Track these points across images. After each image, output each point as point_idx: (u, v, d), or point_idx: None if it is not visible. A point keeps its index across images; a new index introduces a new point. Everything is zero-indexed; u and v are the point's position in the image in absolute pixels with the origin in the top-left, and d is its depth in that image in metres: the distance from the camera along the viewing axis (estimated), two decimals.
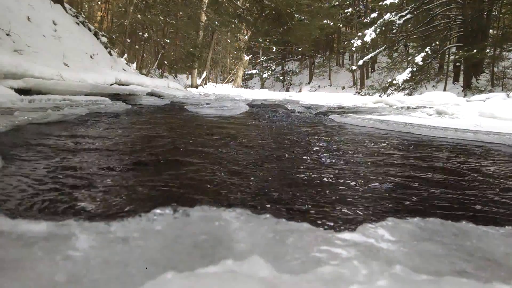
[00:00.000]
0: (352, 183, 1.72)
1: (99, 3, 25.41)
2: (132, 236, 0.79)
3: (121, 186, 1.47)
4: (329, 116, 5.99)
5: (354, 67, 24.32)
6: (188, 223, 0.89)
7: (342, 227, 1.15)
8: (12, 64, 5.38)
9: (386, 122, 4.62)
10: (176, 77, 25.58)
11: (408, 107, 8.67)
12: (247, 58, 25.13)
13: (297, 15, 20.06)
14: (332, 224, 1.18)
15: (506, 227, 1.01)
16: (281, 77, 38.74)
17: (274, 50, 33.92)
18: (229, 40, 28.19)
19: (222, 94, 15.88)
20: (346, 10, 29.39)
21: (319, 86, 32.55)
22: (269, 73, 38.08)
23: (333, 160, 2.29)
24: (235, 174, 1.78)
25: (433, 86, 19.69)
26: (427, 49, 16.56)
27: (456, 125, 4.35)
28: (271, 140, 3.15)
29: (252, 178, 1.72)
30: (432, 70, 20.84)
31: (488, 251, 0.85)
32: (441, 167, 2.21)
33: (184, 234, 0.82)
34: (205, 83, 23.31)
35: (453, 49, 18.00)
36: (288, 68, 39.72)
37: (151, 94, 9.45)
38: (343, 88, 29.87)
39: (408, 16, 17.07)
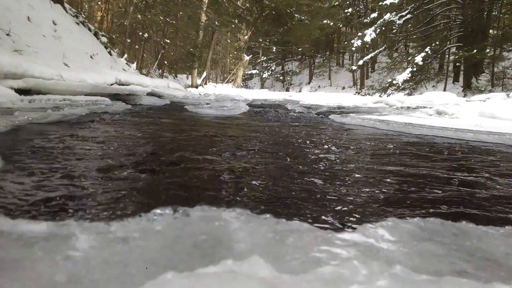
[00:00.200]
0: (352, 183, 1.72)
1: (99, 3, 25.41)
2: (132, 236, 0.79)
3: (121, 186, 1.47)
4: (329, 116, 5.99)
5: (354, 67, 24.32)
6: (188, 223, 0.89)
7: (342, 227, 1.15)
8: (12, 64, 5.38)
9: (386, 122, 4.62)
10: (176, 77, 25.58)
11: (408, 107, 8.67)
12: (247, 58, 25.13)
13: (297, 15, 20.07)
14: (332, 224, 1.18)
15: (506, 227, 1.01)
16: (281, 77, 38.74)
17: (274, 50, 33.93)
18: (229, 40, 28.19)
19: (222, 94, 15.88)
20: (346, 10, 29.39)
21: (319, 86, 32.55)
22: (269, 73, 38.08)
23: (333, 160, 2.29)
24: (235, 174, 1.78)
25: (433, 86, 19.69)
26: (427, 49, 16.56)
27: (456, 125, 4.35)
28: (271, 140, 3.15)
29: (252, 178, 1.72)
30: (432, 70, 20.84)
31: (488, 251, 0.85)
32: (441, 167, 2.21)
33: (184, 234, 0.82)
34: (205, 83, 23.31)
35: (453, 49, 18.00)
36: (288, 68, 39.72)
37: (151, 94, 9.45)
38: (343, 88, 29.87)
39: (408, 16, 17.07)
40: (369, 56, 20.15)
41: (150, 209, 0.95)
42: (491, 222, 1.26)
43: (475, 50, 14.17)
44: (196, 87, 21.20)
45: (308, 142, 3.10)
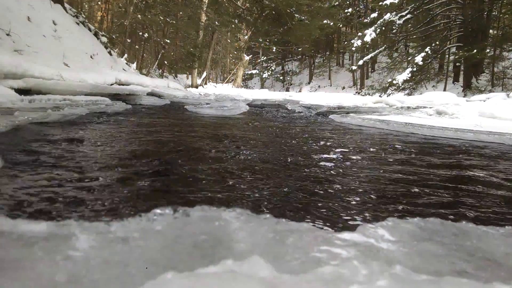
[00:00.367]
0: (352, 183, 1.72)
1: (99, 3, 25.41)
2: (132, 236, 0.79)
3: (121, 186, 1.47)
4: (329, 116, 5.99)
5: (354, 67, 24.33)
6: (188, 223, 0.89)
7: (342, 227, 1.15)
8: (12, 64, 5.38)
9: (386, 122, 4.62)
10: (176, 77, 25.58)
11: (408, 107, 8.67)
12: (247, 58, 25.13)
13: (297, 15, 20.07)
14: (332, 224, 1.18)
15: (506, 227, 1.01)
16: (281, 77, 38.74)
17: (274, 50, 33.91)
18: (229, 40, 28.19)
19: (222, 94, 15.89)
20: (346, 10, 29.40)
21: (319, 86, 32.55)
22: (269, 73, 38.08)
23: (333, 160, 2.29)
24: (235, 174, 1.78)
25: (433, 86, 19.69)
26: (427, 49, 16.56)
27: (456, 125, 4.35)
28: (271, 140, 3.15)
29: (252, 178, 1.72)
30: (432, 70, 20.84)
31: (488, 251, 0.85)
32: (441, 167, 2.21)
33: (184, 234, 0.82)
34: (205, 83, 23.31)
35: (453, 49, 18.00)
36: (288, 68, 39.72)
37: (151, 94, 9.46)
38: (343, 88, 29.87)
39: (408, 16, 17.07)
40: (369, 56, 20.15)
41: (150, 209, 0.95)
42: (491, 222, 1.26)
43: (475, 50, 14.18)
44: (196, 87, 21.20)
45: (308, 142, 3.10)
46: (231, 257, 0.66)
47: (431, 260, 0.80)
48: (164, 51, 22.19)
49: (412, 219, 1.00)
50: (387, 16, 17.26)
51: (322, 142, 3.09)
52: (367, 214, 1.29)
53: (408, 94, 17.75)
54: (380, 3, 17.85)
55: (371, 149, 2.83)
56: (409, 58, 19.17)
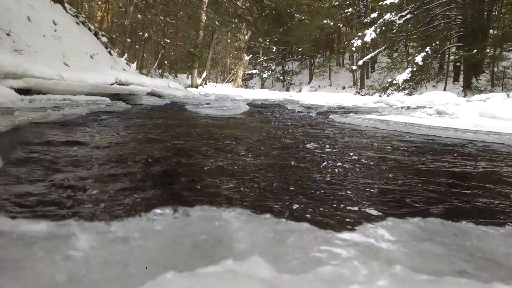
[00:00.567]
0: (352, 183, 1.72)
1: (99, 3, 25.40)
2: (132, 236, 0.79)
3: (121, 186, 1.47)
4: (329, 116, 5.99)
5: (354, 67, 24.33)
6: (188, 223, 0.89)
7: (342, 227, 1.15)
8: (12, 64, 5.38)
9: (386, 122, 4.62)
10: (176, 77, 25.58)
11: (408, 107, 8.67)
12: (247, 58, 25.13)
13: (297, 15, 20.07)
14: (332, 224, 1.18)
15: (506, 227, 1.02)
16: (281, 77, 38.75)
17: (274, 50, 33.92)
18: (229, 40, 28.19)
19: (222, 94, 15.89)
20: (346, 10, 29.40)
21: (319, 86, 32.56)
22: (269, 73, 38.09)
23: (333, 160, 2.29)
24: (235, 174, 1.78)
25: (433, 86, 19.69)
26: (427, 49, 16.56)
27: (456, 125, 4.35)
28: (271, 140, 3.15)
29: (252, 178, 1.72)
30: (432, 70, 20.85)
31: (488, 251, 0.85)
32: (441, 167, 2.21)
33: (184, 234, 0.82)
34: (205, 83, 23.32)
35: (453, 49, 18.01)
36: (288, 68, 39.73)
37: (151, 94, 9.46)
38: (343, 88, 29.87)
39: (408, 16, 17.07)
40: (369, 56, 20.16)
41: (150, 209, 0.95)
42: (491, 222, 1.26)
43: (475, 50, 14.18)
44: (196, 87, 21.20)
45: (308, 142, 3.10)
46: (231, 257, 0.66)
47: (431, 260, 0.80)
48: (164, 51, 22.20)
49: (412, 219, 1.00)
50: (387, 16, 17.27)
51: (321, 142, 3.09)
52: (367, 214, 1.29)
53: (408, 94, 17.76)
54: (380, 3, 17.85)
55: (371, 149, 2.83)
56: (409, 58, 19.17)
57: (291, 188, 1.58)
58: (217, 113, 5.95)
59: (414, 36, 19.43)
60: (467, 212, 1.37)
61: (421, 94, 13.65)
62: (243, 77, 31.22)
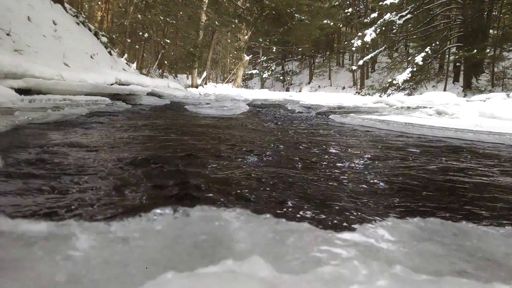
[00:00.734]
0: (352, 183, 1.72)
1: (99, 3, 25.41)
2: (132, 236, 0.79)
3: (121, 186, 1.47)
4: (329, 116, 5.99)
5: (354, 67, 24.34)
6: (188, 223, 0.89)
7: (342, 227, 1.15)
8: (12, 64, 5.38)
9: (386, 122, 4.62)
10: (176, 77, 25.58)
11: (408, 107, 8.67)
12: (247, 58, 25.14)
13: (297, 15, 20.07)
14: (332, 224, 1.18)
15: (506, 227, 1.02)
16: (281, 77, 38.74)
17: (274, 50, 33.93)
18: (229, 40, 28.19)
19: (222, 94, 15.89)
20: (346, 10, 29.40)
21: (319, 86, 32.55)
22: (269, 73, 38.09)
23: (333, 160, 2.29)
24: (235, 174, 1.78)
25: (433, 86, 19.69)
26: (427, 49, 16.57)
27: (456, 125, 4.35)
28: (271, 140, 3.15)
29: (252, 178, 1.72)
30: (432, 70, 20.85)
31: (488, 251, 0.85)
32: (441, 167, 2.21)
33: (184, 234, 0.82)
34: (205, 83, 23.32)
35: (453, 49, 18.01)
36: (288, 68, 39.72)
37: (151, 94, 9.46)
38: (343, 88, 29.87)
39: (408, 16, 17.07)
40: (369, 56, 20.16)
41: (150, 209, 0.95)
42: (491, 222, 1.26)
43: (475, 50, 14.18)
44: (196, 87, 21.20)
45: (308, 142, 3.10)
46: (231, 257, 0.66)
47: (431, 260, 0.80)
48: (164, 51, 22.20)
49: (412, 219, 1.00)
50: (387, 16, 17.27)
51: (321, 142, 3.09)
52: (367, 214, 1.29)
53: (408, 94, 17.76)
54: (380, 3, 17.85)
55: (371, 149, 2.83)
56: (409, 58, 19.18)
57: (291, 188, 1.58)
58: (217, 113, 5.95)
59: (414, 36, 19.43)
60: (467, 212, 1.37)
61: (421, 94, 13.65)
62: (243, 77, 31.23)
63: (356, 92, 24.72)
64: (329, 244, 0.81)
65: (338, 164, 2.16)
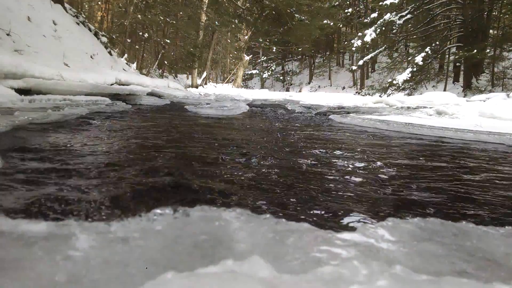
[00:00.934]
0: (352, 183, 1.72)
1: (99, 3, 25.41)
2: (132, 236, 0.79)
3: (121, 186, 1.47)
4: (329, 116, 5.99)
5: (354, 67, 24.33)
6: (188, 223, 0.89)
7: (342, 227, 1.15)
8: (12, 64, 5.38)
9: (387, 122, 4.62)
10: (176, 77, 25.58)
11: (408, 107, 8.67)
12: (247, 58, 25.13)
13: (297, 15, 20.07)
14: (332, 224, 1.18)
15: (506, 227, 1.01)
16: (281, 77, 38.74)
17: (274, 50, 33.91)
18: (229, 40, 28.19)
19: (222, 94, 15.89)
20: (346, 10, 29.39)
21: (319, 86, 32.54)
22: (269, 73, 38.08)
23: (333, 160, 2.29)
24: (235, 174, 1.78)
25: (433, 86, 19.69)
26: (427, 49, 16.56)
27: (456, 125, 4.35)
28: (271, 140, 3.15)
29: (252, 178, 1.72)
30: (432, 70, 20.84)
31: (488, 251, 0.85)
32: (441, 167, 2.21)
33: (184, 234, 0.82)
34: (205, 83, 23.32)
35: (453, 49, 18.00)
36: (288, 68, 39.72)
37: (151, 94, 9.46)
38: (343, 88, 29.86)
39: (408, 16, 17.07)
40: (369, 56, 20.15)
41: (150, 209, 0.95)
42: (491, 222, 1.26)
43: (475, 50, 14.18)
44: (196, 87, 21.20)
45: (308, 142, 3.10)
46: (231, 257, 0.66)
47: (431, 260, 0.80)
48: (164, 51, 22.20)
49: (412, 219, 1.00)
50: (387, 16, 17.26)
51: (321, 142, 3.09)
52: (367, 214, 1.29)
53: (408, 94, 17.76)
54: (380, 3, 17.85)
55: (371, 149, 2.83)
56: (409, 58, 19.17)
57: (291, 188, 1.58)
58: (217, 113, 5.95)
59: (414, 36, 19.43)
60: (467, 212, 1.37)
61: (421, 94, 13.65)
62: (243, 77, 31.22)
63: (356, 92, 24.72)
64: (329, 244, 0.81)
65: (338, 164, 2.16)
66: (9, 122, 2.79)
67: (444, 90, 17.03)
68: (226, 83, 27.32)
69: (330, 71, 33.49)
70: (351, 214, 1.28)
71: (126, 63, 15.81)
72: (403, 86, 17.67)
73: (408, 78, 16.87)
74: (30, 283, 0.60)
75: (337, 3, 28.17)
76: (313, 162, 2.20)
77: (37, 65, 6.16)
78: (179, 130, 3.51)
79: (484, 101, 8.55)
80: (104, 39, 13.72)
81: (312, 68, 35.73)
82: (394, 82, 17.33)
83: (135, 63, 18.65)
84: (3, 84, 5.03)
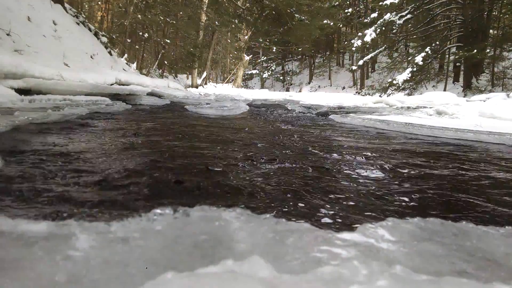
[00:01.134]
0: (352, 183, 1.72)
1: (99, 3, 25.41)
2: (132, 236, 0.79)
3: (121, 186, 1.47)
4: (330, 116, 5.99)
5: (354, 67, 24.33)
6: (188, 223, 0.89)
7: (342, 227, 1.15)
8: (12, 64, 5.38)
9: (387, 122, 4.62)
10: (176, 77, 25.58)
11: (408, 107, 8.67)
12: (247, 58, 25.13)
13: (297, 15, 20.07)
14: (332, 224, 1.18)
15: (506, 227, 1.01)
16: (281, 77, 38.73)
17: (274, 50, 33.91)
18: (229, 40, 28.19)
19: (222, 94, 15.90)
20: (346, 10, 29.39)
21: (319, 86, 32.54)
22: (269, 73, 38.08)
23: (332, 160, 2.29)
24: (235, 174, 1.78)
25: (433, 86, 19.68)
26: (427, 49, 16.56)
27: (456, 125, 4.35)
28: (271, 140, 3.15)
29: (251, 178, 1.72)
30: (432, 70, 20.84)
31: (488, 251, 0.85)
32: (441, 167, 2.21)
33: (184, 234, 0.82)
34: (205, 83, 23.32)
35: (453, 49, 18.00)
36: (288, 68, 39.71)
37: (151, 94, 9.46)
38: (343, 88, 29.86)
39: (408, 16, 17.07)
40: (369, 56, 20.15)
41: (150, 209, 0.95)
42: (491, 222, 1.26)
43: (475, 50, 14.17)
44: (196, 87, 21.20)
45: (307, 142, 3.10)
46: (231, 257, 0.66)
47: (431, 260, 0.80)
48: (164, 51, 22.20)
49: (412, 219, 1.00)
50: (387, 16, 17.26)
51: (321, 142, 3.09)
52: (367, 214, 1.29)
53: (408, 94, 17.76)
54: (380, 3, 17.84)
55: (371, 149, 2.83)
56: (409, 58, 19.17)
57: (291, 187, 1.58)
58: (217, 113, 5.95)
59: (414, 36, 19.42)
60: (467, 212, 1.37)
61: (421, 94, 13.65)
62: (243, 77, 31.22)
63: (356, 92, 24.72)
64: (329, 244, 0.81)
65: (338, 164, 2.16)
66: (9, 122, 2.79)
67: (444, 90, 17.03)
68: (226, 83, 27.32)
69: (330, 71, 33.49)
70: (351, 214, 1.28)
71: (126, 63, 15.81)
72: (403, 86, 17.67)
73: (408, 78, 16.87)
74: (30, 283, 0.60)
75: (337, 3, 28.17)
76: (313, 162, 2.20)
77: (37, 65, 6.16)
78: (179, 130, 3.51)
79: (484, 101, 8.55)
80: (104, 39, 13.72)
81: (312, 68, 35.72)
82: (394, 82, 17.33)
83: (135, 63, 18.65)
84: (3, 84, 5.03)
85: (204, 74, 22.91)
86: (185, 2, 21.32)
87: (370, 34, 17.90)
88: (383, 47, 19.89)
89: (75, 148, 2.23)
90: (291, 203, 1.37)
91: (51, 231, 0.78)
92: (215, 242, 0.80)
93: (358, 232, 0.91)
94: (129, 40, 20.21)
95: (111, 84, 9.03)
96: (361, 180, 1.79)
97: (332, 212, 1.30)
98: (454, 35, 17.97)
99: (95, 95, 6.45)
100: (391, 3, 17.28)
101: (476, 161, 2.48)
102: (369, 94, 21.21)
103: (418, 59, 16.41)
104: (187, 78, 25.81)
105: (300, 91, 32.11)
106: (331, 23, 26.61)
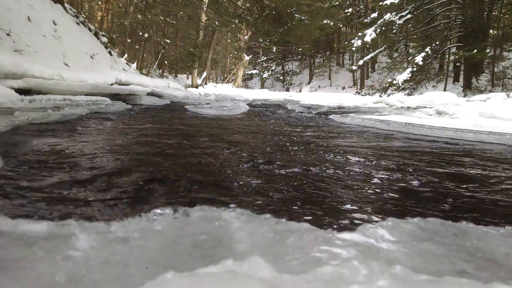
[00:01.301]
0: (352, 183, 1.72)
1: (99, 3, 25.40)
2: (132, 236, 0.79)
3: (121, 186, 1.47)
4: (330, 116, 5.99)
5: (354, 67, 24.32)
6: (188, 223, 0.89)
7: (342, 227, 1.15)
8: (12, 64, 5.38)
9: (387, 122, 4.62)
10: (176, 77, 25.58)
11: (408, 107, 8.67)
12: (247, 58, 25.14)
13: (297, 15, 20.06)
14: (332, 224, 1.18)
15: (506, 227, 1.01)
16: (281, 77, 38.73)
17: (274, 50, 33.91)
18: (229, 40, 28.20)
19: (222, 94, 15.90)
20: (346, 10, 29.39)
21: (319, 86, 32.53)
22: (269, 73, 38.07)
23: (332, 160, 2.29)
24: (235, 174, 1.78)
25: (433, 86, 19.68)
26: (427, 49, 16.56)
27: (456, 125, 4.35)
28: (271, 140, 3.15)
29: (252, 178, 1.72)
30: (432, 70, 20.83)
31: (488, 251, 0.85)
32: (441, 167, 2.21)
33: (184, 234, 0.82)
34: (205, 83, 23.32)
35: (453, 49, 17.99)
36: (288, 68, 39.71)
37: (151, 94, 9.46)
38: (343, 88, 29.86)
39: (408, 16, 17.07)
40: (369, 56, 20.15)
41: (150, 209, 0.95)
42: (491, 222, 1.26)
43: (475, 50, 14.17)
44: (196, 87, 21.21)
45: (307, 142, 3.10)
46: (231, 257, 0.66)
47: (431, 260, 0.80)
48: (164, 51, 22.20)
49: (412, 219, 1.00)
50: (387, 16, 17.26)
51: (321, 142, 3.09)
52: (367, 214, 1.29)
53: (408, 94, 17.76)
54: (380, 3, 17.84)
55: (371, 150, 2.83)
56: (409, 58, 19.16)
57: (291, 188, 1.58)
58: (217, 113, 5.95)
59: (414, 36, 19.42)
60: (467, 212, 1.37)
61: (421, 94, 13.65)
62: (243, 77, 31.23)
63: (356, 92, 24.72)
64: (329, 244, 0.81)
65: (338, 164, 2.16)
66: (9, 122, 2.79)
67: (444, 90, 17.03)
68: (226, 83, 27.32)
69: (330, 71, 33.48)
70: (351, 214, 1.28)
71: (126, 63, 15.81)
72: (403, 86, 17.67)
73: (408, 78, 16.86)
74: (30, 283, 0.60)
75: (337, 3, 28.16)
76: (312, 162, 2.20)
77: (37, 65, 6.16)
78: (179, 130, 3.51)
79: (484, 101, 8.55)
80: (104, 39, 13.72)
81: (312, 68, 35.72)
82: (394, 82, 17.33)
83: (135, 63, 18.65)
84: (3, 84, 5.03)
85: (204, 74, 22.91)
86: (185, 2, 21.32)
87: (370, 34, 17.90)
88: (383, 47, 19.89)
89: (75, 148, 2.23)
90: (291, 203, 1.37)
91: (51, 231, 0.78)
92: (215, 242, 0.80)
93: (358, 232, 0.91)
94: (129, 40, 20.21)
95: (111, 84, 9.03)
96: (361, 180, 1.79)
97: (332, 212, 1.30)
98: (454, 35, 17.97)
99: (95, 95, 6.45)
100: (391, 3, 17.27)
101: (476, 161, 2.48)
102: (369, 94, 21.21)
103: (418, 59, 16.41)
104: (187, 78, 25.81)
105: (300, 91, 32.10)
106: (331, 23, 26.61)
